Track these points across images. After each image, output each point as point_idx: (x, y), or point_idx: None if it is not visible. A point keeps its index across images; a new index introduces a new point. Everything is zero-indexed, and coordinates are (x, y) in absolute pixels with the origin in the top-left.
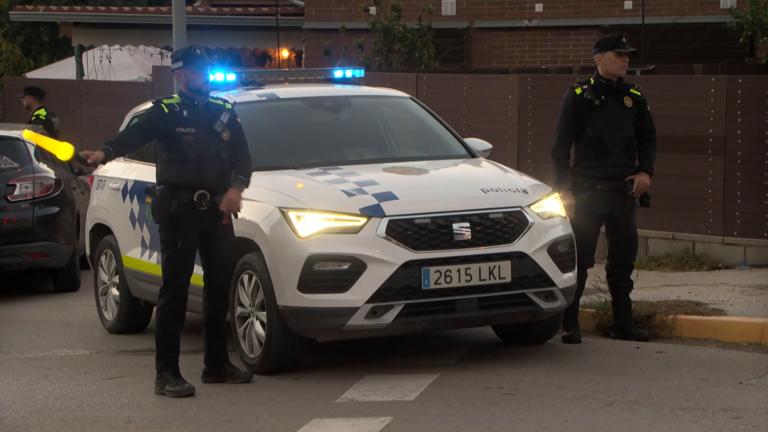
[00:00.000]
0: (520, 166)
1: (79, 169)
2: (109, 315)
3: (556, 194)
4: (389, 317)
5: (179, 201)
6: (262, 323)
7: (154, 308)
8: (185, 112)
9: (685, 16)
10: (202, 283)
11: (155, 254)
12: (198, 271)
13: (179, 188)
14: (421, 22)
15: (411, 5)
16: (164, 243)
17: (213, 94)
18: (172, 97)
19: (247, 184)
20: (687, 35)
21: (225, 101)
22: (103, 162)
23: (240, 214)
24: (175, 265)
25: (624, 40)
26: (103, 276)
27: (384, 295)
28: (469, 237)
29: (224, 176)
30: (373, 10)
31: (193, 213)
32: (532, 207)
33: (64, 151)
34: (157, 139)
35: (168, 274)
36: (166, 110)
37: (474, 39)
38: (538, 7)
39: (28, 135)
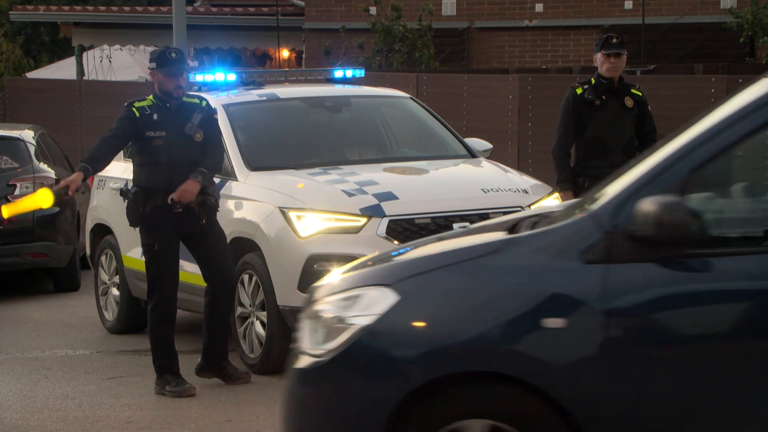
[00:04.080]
0: (521, 166)
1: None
2: (110, 315)
3: (557, 194)
4: None
5: (154, 203)
6: (262, 323)
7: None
8: (155, 116)
9: (685, 16)
10: (202, 283)
11: None
12: (196, 270)
13: (153, 191)
14: (421, 22)
15: (411, 5)
16: (143, 246)
17: (190, 92)
18: (145, 99)
19: (206, 177)
20: (687, 35)
21: (202, 99)
22: (83, 182)
23: (240, 214)
24: (155, 267)
25: (614, 40)
26: (104, 276)
27: None
28: None
29: None
30: (373, 10)
31: (169, 215)
32: (532, 207)
33: (43, 199)
34: (132, 142)
35: (150, 277)
36: (137, 114)
37: (474, 39)
38: (538, 7)
39: (5, 212)
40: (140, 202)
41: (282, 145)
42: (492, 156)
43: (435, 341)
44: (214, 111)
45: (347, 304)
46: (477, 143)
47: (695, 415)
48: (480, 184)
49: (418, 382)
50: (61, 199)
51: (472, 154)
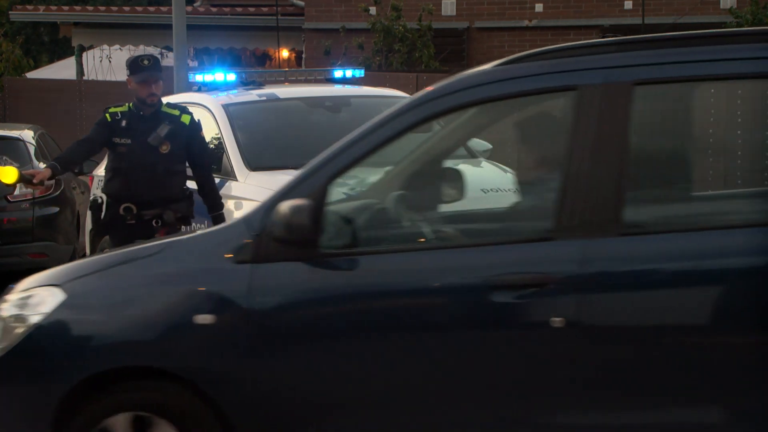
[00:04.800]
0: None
1: (79, 169)
2: None
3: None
4: None
5: (112, 211)
6: None
7: None
8: (124, 122)
9: (685, 16)
10: None
11: None
12: None
13: (112, 199)
14: (421, 22)
15: (411, 5)
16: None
17: (176, 102)
18: (122, 105)
19: (216, 210)
20: None
21: (183, 112)
22: (51, 179)
23: (240, 214)
24: None
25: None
26: None
27: None
28: None
29: (162, 190)
30: (373, 10)
31: (123, 226)
32: None
33: (8, 175)
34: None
35: None
36: (109, 119)
37: (474, 39)
38: (538, 7)
39: None
40: (97, 209)
41: (282, 145)
42: (492, 156)
43: (92, 339)
44: (198, 127)
45: (23, 303)
46: (477, 143)
47: (337, 402)
48: (480, 184)
49: (77, 379)
50: (23, 181)
51: (471, 154)
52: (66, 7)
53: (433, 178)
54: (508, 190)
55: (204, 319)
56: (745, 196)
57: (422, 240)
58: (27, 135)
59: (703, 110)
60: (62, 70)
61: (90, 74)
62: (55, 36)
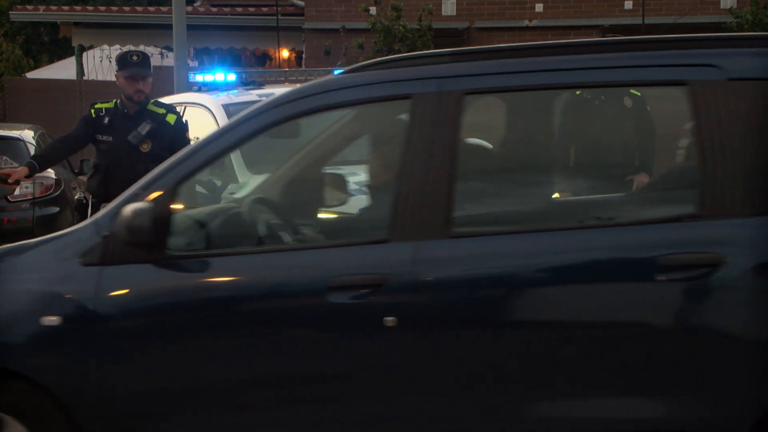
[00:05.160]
0: None
1: (80, 168)
2: None
3: (557, 194)
4: None
5: (95, 211)
6: None
7: None
8: (107, 119)
9: (685, 16)
10: None
11: None
12: None
13: (96, 198)
14: (421, 22)
15: (411, 5)
16: None
17: (168, 102)
18: (108, 102)
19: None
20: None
21: (169, 111)
22: (27, 177)
23: None
24: None
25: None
26: None
27: None
28: None
29: None
30: (373, 10)
31: None
32: None
33: None
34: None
35: None
36: (93, 115)
37: (474, 39)
38: (538, 7)
39: None
40: (85, 209)
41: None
42: None
43: None
44: (184, 127)
45: None
46: (476, 143)
47: (182, 401)
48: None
49: None
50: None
51: None
52: (66, 7)
53: (300, 184)
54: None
55: (51, 320)
56: (568, 202)
57: (272, 242)
58: (27, 135)
59: (530, 119)
60: (62, 70)
61: (90, 74)
62: (55, 36)
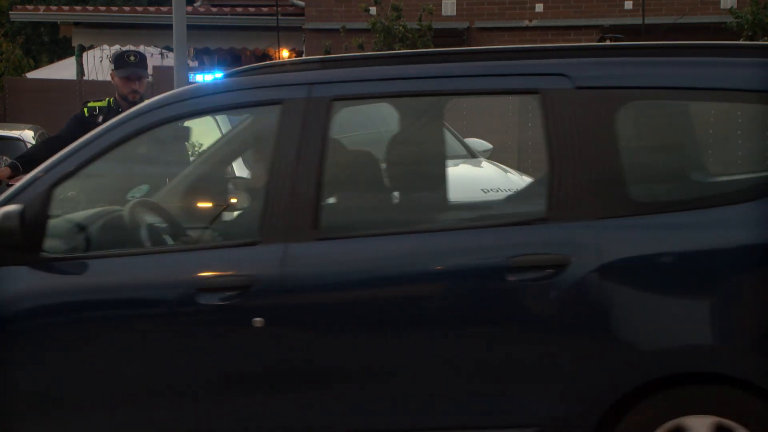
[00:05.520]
0: (521, 167)
1: None
2: None
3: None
4: None
5: None
6: None
7: None
8: (101, 118)
9: (685, 16)
10: None
11: None
12: None
13: None
14: (421, 22)
15: (411, 5)
16: None
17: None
18: (101, 101)
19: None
20: (687, 35)
21: None
22: (10, 178)
23: None
24: None
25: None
26: None
27: None
28: None
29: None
30: (373, 10)
31: None
32: None
33: None
34: None
35: None
36: (86, 114)
37: (474, 39)
38: (538, 7)
39: None
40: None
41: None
42: (492, 156)
43: None
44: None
45: None
46: (477, 143)
47: (60, 399)
48: (480, 184)
49: None
50: None
51: (472, 154)
52: (66, 7)
53: (186, 187)
54: (508, 189)
55: None
56: (430, 205)
57: (151, 245)
58: (27, 135)
59: (398, 124)
60: (62, 70)
61: (90, 74)
62: (55, 36)
